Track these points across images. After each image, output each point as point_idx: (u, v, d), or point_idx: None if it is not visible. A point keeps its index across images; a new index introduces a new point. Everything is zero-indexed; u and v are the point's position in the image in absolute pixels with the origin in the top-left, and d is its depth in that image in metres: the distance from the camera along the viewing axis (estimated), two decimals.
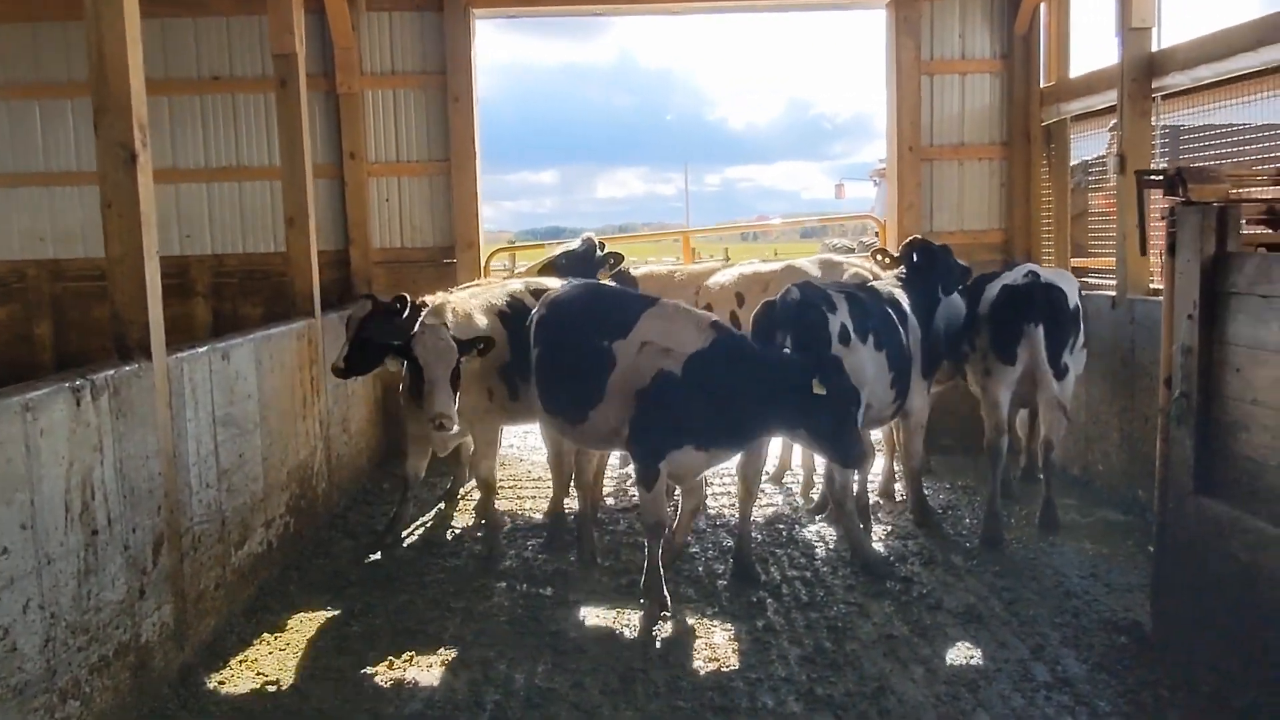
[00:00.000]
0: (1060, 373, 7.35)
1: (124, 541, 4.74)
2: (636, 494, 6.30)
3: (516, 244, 23.13)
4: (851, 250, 20.44)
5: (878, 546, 7.23)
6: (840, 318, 6.75)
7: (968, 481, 8.97)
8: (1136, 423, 7.70)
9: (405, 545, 7.65)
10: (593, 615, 6.18)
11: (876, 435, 8.63)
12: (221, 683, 5.35)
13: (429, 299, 7.65)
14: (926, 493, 8.02)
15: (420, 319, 7.02)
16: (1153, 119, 7.97)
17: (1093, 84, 9.00)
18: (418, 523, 8.16)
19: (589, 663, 5.50)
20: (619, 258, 8.77)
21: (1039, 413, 7.84)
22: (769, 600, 6.31)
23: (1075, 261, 9.72)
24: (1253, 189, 5.56)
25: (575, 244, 8.83)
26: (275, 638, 5.93)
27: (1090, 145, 10.27)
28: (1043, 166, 10.17)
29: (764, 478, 8.39)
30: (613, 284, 8.43)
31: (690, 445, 5.98)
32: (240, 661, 5.60)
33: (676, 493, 6.90)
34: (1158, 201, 6.82)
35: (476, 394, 7.13)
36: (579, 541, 7.17)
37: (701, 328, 6.06)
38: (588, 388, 6.20)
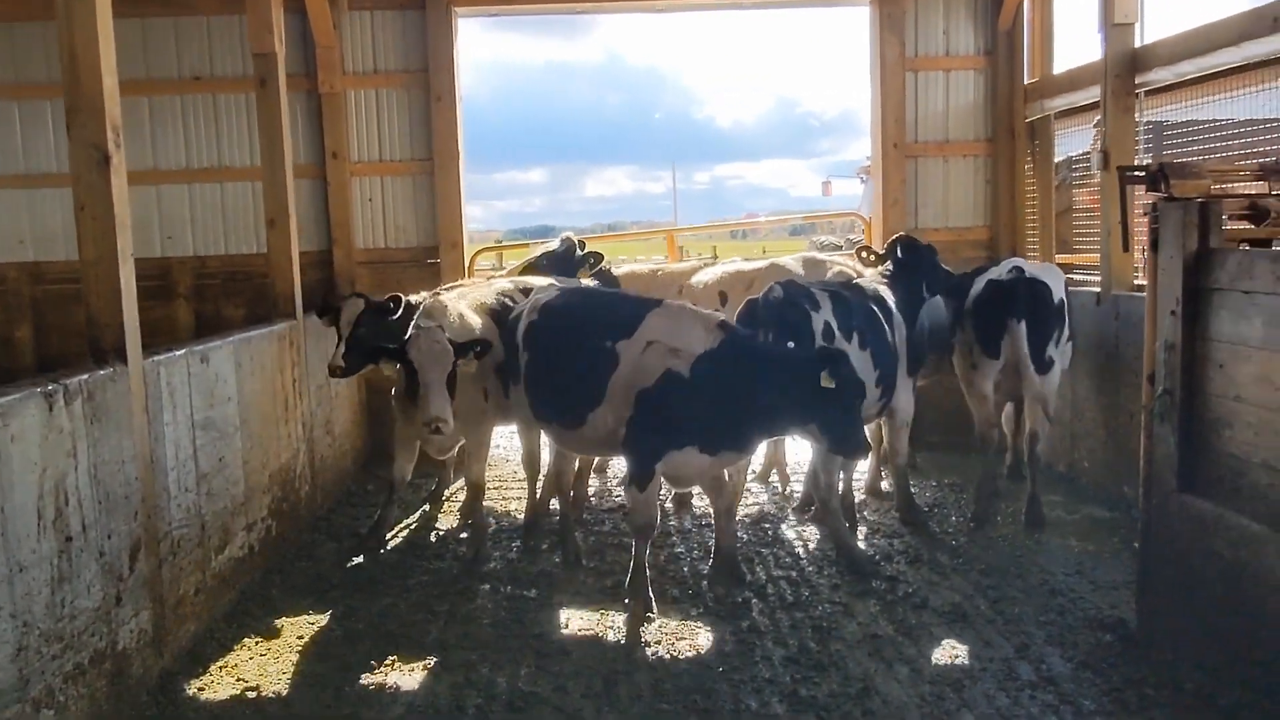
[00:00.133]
0: (1045, 366, 7.38)
1: (99, 548, 4.68)
2: (627, 495, 6.21)
3: (504, 243, 23.09)
4: (839, 247, 20.44)
5: (863, 545, 7.20)
6: (824, 316, 6.73)
7: (954, 479, 8.95)
8: (1122, 419, 7.69)
9: (390, 548, 7.60)
10: (577, 617, 6.14)
11: None
12: (201, 689, 5.30)
13: (415, 298, 7.63)
14: (913, 490, 8.01)
15: (414, 321, 6.97)
16: (1136, 115, 7.96)
17: (1076, 80, 9.00)
18: (402, 525, 8.11)
19: (572, 665, 5.46)
20: (599, 257, 8.73)
21: (1024, 407, 7.83)
22: (754, 600, 6.27)
23: (1060, 258, 9.72)
24: (1235, 184, 5.54)
25: (555, 244, 8.80)
26: (256, 643, 5.88)
27: (1075, 141, 10.28)
28: (1027, 163, 10.16)
29: (749, 476, 8.39)
30: (594, 284, 8.42)
31: (693, 447, 5.93)
32: (220, 667, 5.54)
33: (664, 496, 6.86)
34: (1141, 197, 6.82)
35: (472, 395, 7.08)
36: (562, 543, 7.12)
37: (710, 327, 5.99)
38: (587, 391, 6.11)
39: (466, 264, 10.56)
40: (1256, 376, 4.61)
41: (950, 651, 5.52)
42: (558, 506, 7.39)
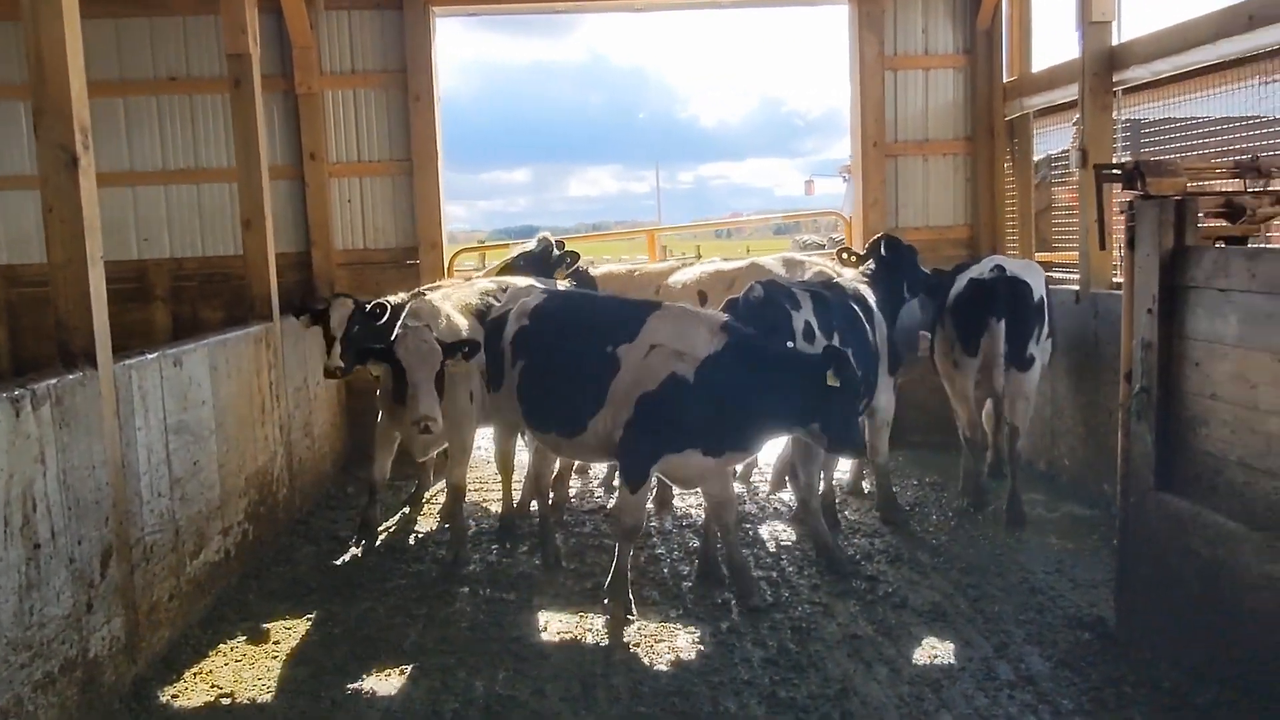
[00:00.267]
0: (1026, 364, 7.42)
1: (69, 554, 4.62)
2: (617, 496, 6.11)
3: (487, 244, 23.01)
4: (822, 247, 20.44)
5: (844, 545, 7.18)
6: (804, 315, 6.71)
7: (935, 478, 8.95)
8: (1101, 417, 7.70)
9: (367, 551, 7.55)
10: (556, 620, 6.10)
11: None
12: (175, 696, 5.24)
13: (395, 299, 7.59)
14: (894, 489, 8.01)
15: (401, 320, 6.92)
16: (1114, 113, 7.97)
17: (1054, 78, 9.01)
18: (381, 528, 8.05)
19: (550, 669, 5.43)
20: (575, 256, 8.71)
21: (1002, 404, 7.84)
22: (733, 601, 6.24)
23: (1040, 256, 9.73)
24: (1211, 182, 5.54)
25: (531, 244, 8.77)
26: (231, 648, 5.82)
27: (1056, 140, 10.30)
28: (1006, 162, 10.17)
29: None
30: (571, 284, 8.40)
31: (695, 450, 5.88)
32: (195, 674, 5.48)
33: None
34: (1119, 196, 6.83)
35: (458, 398, 7.04)
36: (542, 545, 7.08)
37: (714, 330, 5.93)
38: (588, 396, 6.02)
39: (446, 264, 10.51)
40: (1232, 374, 4.61)
41: (930, 651, 5.50)
42: (537, 508, 7.34)
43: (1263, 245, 5.71)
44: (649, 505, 8.23)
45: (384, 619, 6.20)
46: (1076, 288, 8.19)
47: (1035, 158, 10.13)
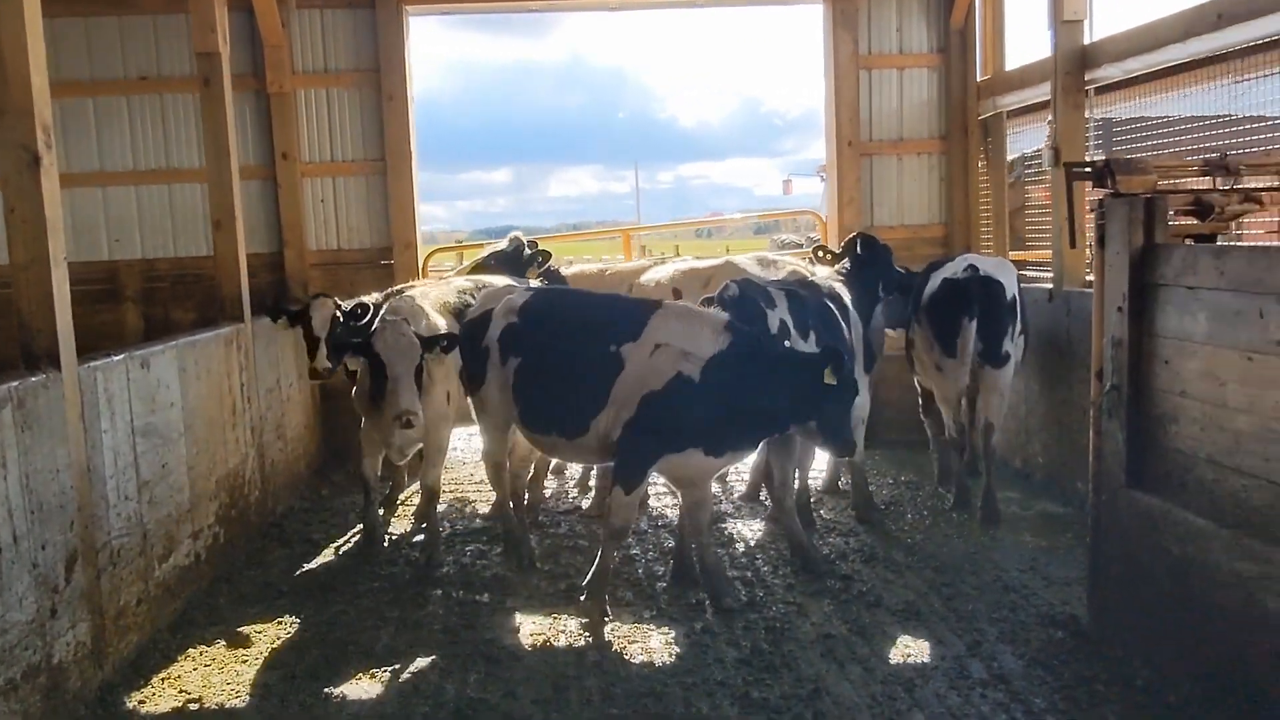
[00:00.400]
0: (1001, 360, 7.47)
1: (32, 559, 4.56)
2: (610, 496, 6.01)
3: (464, 244, 22.92)
4: (800, 246, 20.45)
5: (819, 544, 7.17)
6: (779, 314, 6.70)
7: (910, 476, 8.96)
8: (1075, 415, 7.72)
9: (342, 553, 7.51)
10: (529, 622, 6.06)
11: None
12: (142, 702, 5.18)
13: (369, 299, 7.55)
14: (869, 488, 8.02)
15: (380, 314, 6.85)
16: (1086, 111, 8.00)
17: (1027, 77, 9.04)
18: (354, 530, 8.00)
19: (523, 671, 5.39)
20: (547, 255, 8.69)
21: (977, 400, 7.85)
22: (708, 602, 6.22)
23: (1015, 254, 9.76)
24: (1181, 180, 5.55)
25: (503, 244, 8.75)
26: (201, 653, 5.75)
27: (1030, 139, 10.34)
28: (981, 160, 10.20)
29: None
30: (543, 283, 8.38)
31: (697, 449, 5.85)
32: (163, 679, 5.42)
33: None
34: (1092, 194, 6.85)
35: (435, 398, 6.99)
36: (515, 546, 7.03)
37: (717, 329, 5.90)
38: (591, 397, 5.94)
39: (421, 264, 10.46)
40: (1201, 372, 4.62)
41: (903, 650, 5.50)
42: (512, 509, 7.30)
43: (1231, 243, 5.73)
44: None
45: (356, 622, 6.15)
46: (1050, 286, 8.21)
47: (1010, 157, 10.16)
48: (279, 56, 9.84)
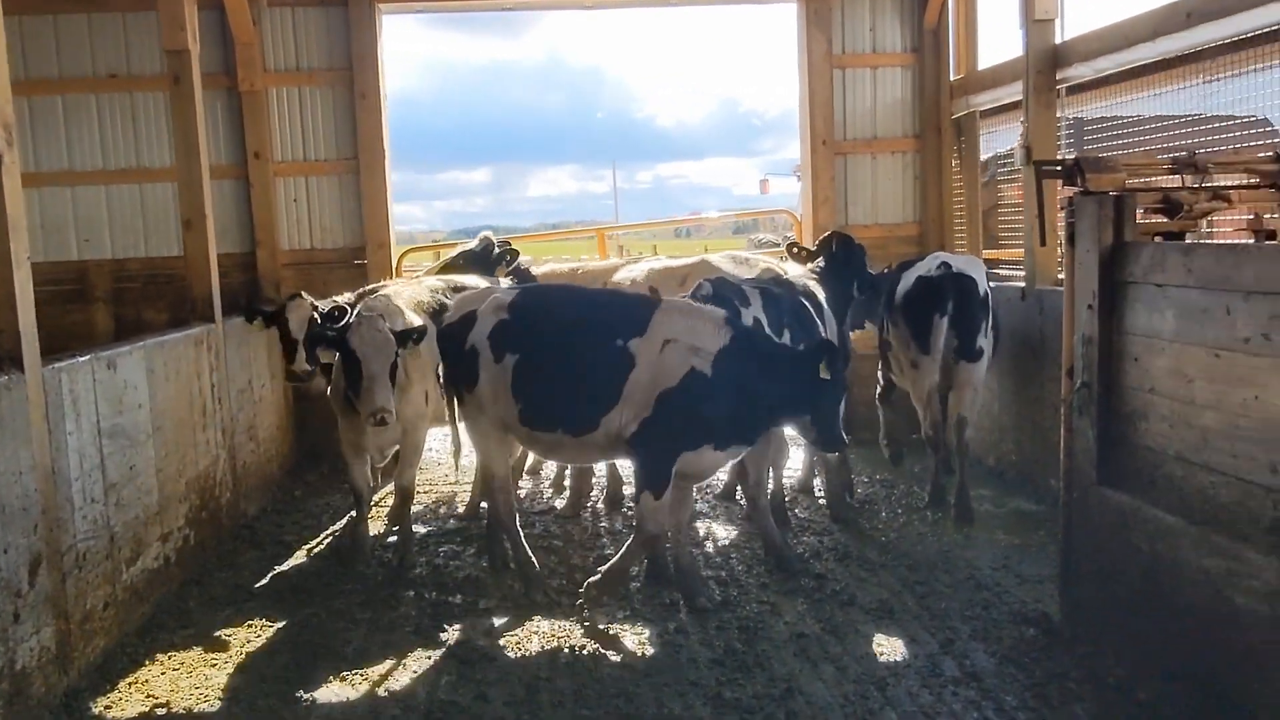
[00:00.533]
0: (975, 355, 7.52)
1: None
2: (639, 502, 5.93)
3: (441, 243, 22.85)
4: (776, 245, 20.47)
5: (793, 543, 7.16)
6: (754, 312, 6.69)
7: (885, 475, 8.97)
8: (1048, 412, 7.74)
9: (313, 555, 7.46)
10: (502, 622, 6.03)
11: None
12: (108, 707, 5.12)
13: (342, 299, 7.51)
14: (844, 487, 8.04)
15: (357, 311, 6.74)
16: (1058, 111, 8.03)
17: (999, 76, 9.07)
18: (326, 531, 7.94)
19: (495, 672, 5.36)
20: (515, 254, 8.68)
21: (950, 396, 7.86)
22: (682, 601, 6.20)
23: (988, 253, 9.80)
24: (1151, 178, 5.57)
25: (473, 244, 8.74)
26: (169, 657, 5.69)
27: (1005, 139, 10.37)
28: (954, 159, 10.23)
29: None
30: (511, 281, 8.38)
31: (709, 445, 5.87)
32: (130, 684, 5.36)
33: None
34: (1065, 193, 6.86)
35: (413, 398, 6.92)
36: (489, 547, 6.99)
37: (718, 324, 5.91)
38: (601, 393, 5.87)
39: (395, 264, 10.40)
40: (1169, 369, 4.63)
41: (876, 649, 5.50)
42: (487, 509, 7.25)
43: (1199, 241, 5.76)
44: (599, 505, 8.23)
45: (327, 624, 6.10)
46: (1023, 285, 8.24)
47: (983, 156, 10.20)
48: (250, 54, 9.77)
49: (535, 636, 5.82)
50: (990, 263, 9.69)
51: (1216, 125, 7.11)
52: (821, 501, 8.07)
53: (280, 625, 6.10)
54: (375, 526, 8.06)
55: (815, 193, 10.29)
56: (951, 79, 10.06)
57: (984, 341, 7.58)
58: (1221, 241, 6.45)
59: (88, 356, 5.70)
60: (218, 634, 5.99)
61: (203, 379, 7.40)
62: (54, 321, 9.57)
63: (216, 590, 6.73)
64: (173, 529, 6.67)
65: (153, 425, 6.45)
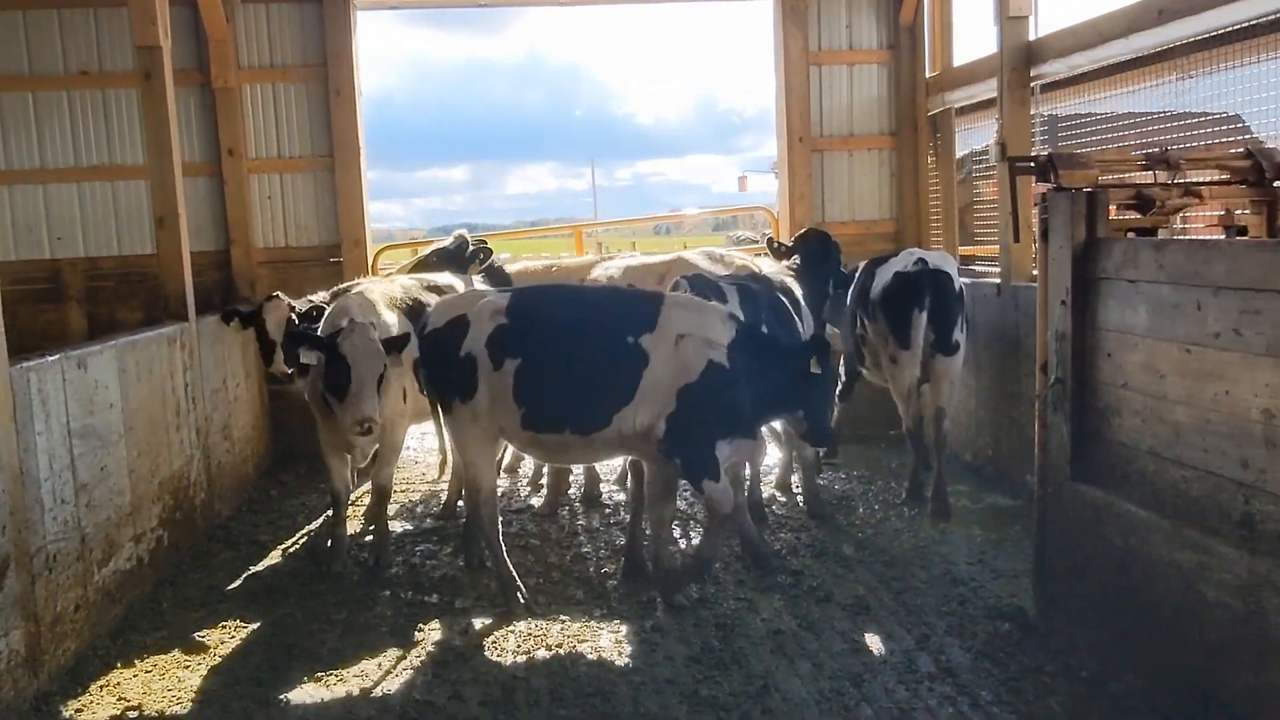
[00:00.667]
0: (953, 349, 7.57)
1: None
2: (704, 491, 5.90)
3: (419, 241, 22.76)
4: (755, 241, 20.50)
5: (770, 539, 7.17)
6: (730, 308, 6.68)
7: (863, 471, 8.99)
8: (1024, 408, 7.78)
9: (289, 555, 7.41)
10: (478, 623, 6.00)
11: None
12: (80, 710, 5.06)
13: (316, 298, 7.47)
14: (821, 483, 8.05)
15: (348, 316, 6.62)
16: (1033, 108, 8.06)
17: (974, 73, 9.09)
18: (302, 531, 7.90)
19: (470, 672, 5.34)
20: (489, 252, 8.65)
21: (928, 389, 7.87)
22: (659, 599, 6.19)
23: (964, 250, 9.83)
24: (1123, 175, 5.60)
25: (447, 241, 8.70)
26: (142, 659, 5.63)
27: (981, 136, 10.40)
28: (930, 156, 10.25)
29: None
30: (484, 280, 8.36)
31: (726, 440, 5.93)
32: (102, 686, 5.30)
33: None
34: (1039, 189, 6.89)
35: (393, 397, 6.85)
36: (466, 546, 6.96)
37: (724, 318, 5.99)
38: (613, 391, 5.81)
39: (371, 262, 10.35)
40: (1142, 364, 4.65)
41: (852, 645, 5.50)
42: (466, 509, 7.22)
43: (1171, 236, 5.78)
44: (577, 504, 8.21)
45: (302, 625, 6.06)
46: (998, 281, 8.27)
47: (959, 153, 10.23)
48: (224, 51, 9.69)
49: (511, 636, 5.79)
50: (966, 259, 9.76)
51: (1189, 122, 7.15)
52: (799, 497, 8.07)
53: (255, 626, 6.06)
54: (352, 525, 8.02)
55: (792, 189, 10.31)
56: (927, 76, 10.08)
57: (960, 335, 7.63)
58: (1193, 237, 6.50)
59: (57, 356, 5.63)
60: (191, 635, 5.94)
61: (176, 378, 7.33)
62: (27, 321, 9.50)
63: (190, 591, 6.68)
64: (146, 530, 6.61)
65: (125, 425, 6.39)
